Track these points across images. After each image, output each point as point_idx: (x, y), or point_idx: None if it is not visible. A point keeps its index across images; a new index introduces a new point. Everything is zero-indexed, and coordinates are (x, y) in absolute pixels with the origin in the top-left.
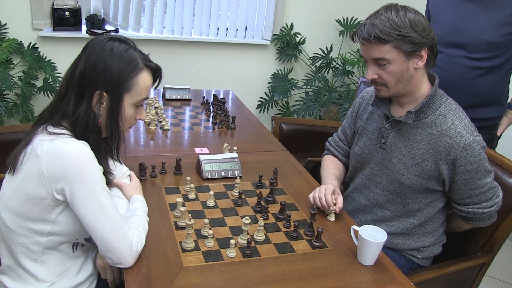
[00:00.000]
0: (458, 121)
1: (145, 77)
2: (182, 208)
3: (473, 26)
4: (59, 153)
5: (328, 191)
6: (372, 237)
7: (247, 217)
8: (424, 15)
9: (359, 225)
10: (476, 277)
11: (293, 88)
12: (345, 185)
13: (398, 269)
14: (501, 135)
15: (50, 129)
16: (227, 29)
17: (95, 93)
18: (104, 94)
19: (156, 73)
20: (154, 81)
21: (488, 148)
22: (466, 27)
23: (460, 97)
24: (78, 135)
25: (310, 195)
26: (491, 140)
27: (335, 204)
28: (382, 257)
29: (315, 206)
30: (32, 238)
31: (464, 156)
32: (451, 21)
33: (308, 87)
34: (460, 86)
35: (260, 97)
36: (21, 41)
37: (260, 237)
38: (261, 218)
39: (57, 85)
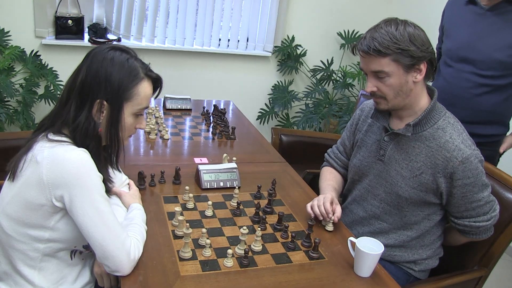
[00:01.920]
0: (456, 135)
1: (145, 86)
2: (180, 217)
3: (486, 44)
4: (59, 160)
5: (326, 200)
6: (369, 249)
7: (244, 227)
8: (438, 30)
9: (357, 237)
10: None
11: (294, 100)
12: (343, 197)
13: (395, 281)
14: (503, 152)
15: (51, 136)
16: (228, 40)
17: (96, 102)
18: (105, 102)
19: (157, 82)
20: (154, 91)
21: (486, 162)
22: (479, 44)
23: (464, 112)
24: (78, 143)
25: (308, 205)
26: (493, 157)
27: (333, 214)
28: (379, 269)
29: (313, 217)
30: (30, 244)
31: (461, 169)
32: (465, 37)
33: (309, 99)
34: (464, 101)
35: (261, 108)
36: (23, 49)
37: (257, 247)
38: (259, 229)
39: (59, 92)
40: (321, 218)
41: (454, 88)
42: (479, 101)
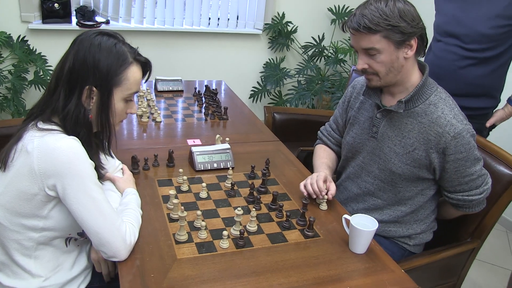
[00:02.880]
0: (448, 110)
1: (134, 71)
2: (175, 200)
3: (470, 18)
4: (49, 149)
5: (319, 178)
6: (363, 225)
7: (239, 208)
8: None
9: (351, 214)
10: (466, 262)
11: (286, 77)
12: (337, 174)
13: (390, 256)
14: (491, 127)
15: (40, 125)
16: (218, 19)
17: (85, 89)
18: (94, 89)
19: (146, 66)
20: (144, 75)
21: (477, 136)
22: (463, 18)
23: (449, 84)
24: (68, 131)
25: (301, 183)
26: (480, 130)
27: (327, 192)
28: (374, 245)
29: (307, 195)
30: (24, 234)
31: (454, 144)
32: (451, 11)
33: (301, 76)
34: (449, 74)
35: (253, 87)
36: (10, 34)
37: (252, 227)
38: (254, 209)
39: (48, 78)
40: (314, 196)
41: (441, 61)
42: (463, 73)
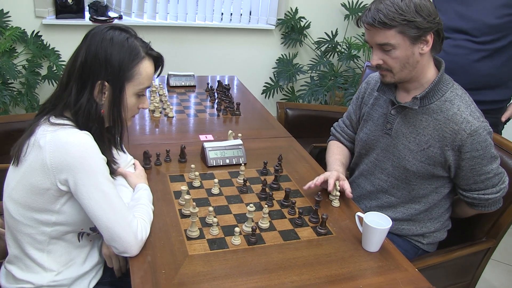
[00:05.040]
0: (464, 107)
1: (146, 65)
2: (187, 196)
3: (474, 10)
4: (62, 144)
5: (331, 177)
6: (377, 223)
7: (251, 205)
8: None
9: (365, 211)
10: (481, 261)
11: (298, 73)
12: (350, 171)
13: (403, 255)
14: (506, 121)
15: (53, 120)
16: (231, 14)
17: (97, 83)
18: (106, 84)
19: (158, 61)
20: (156, 70)
21: (494, 133)
22: (467, 12)
23: (464, 79)
24: (80, 126)
25: (309, 183)
26: (496, 124)
27: (344, 191)
28: (387, 243)
29: (319, 192)
30: (37, 228)
31: (470, 142)
32: (452, 8)
33: (313, 71)
34: (464, 68)
35: (265, 83)
36: (24, 29)
37: (264, 224)
38: (266, 205)
39: (61, 73)
40: (328, 191)
41: (452, 56)
42: (477, 66)
